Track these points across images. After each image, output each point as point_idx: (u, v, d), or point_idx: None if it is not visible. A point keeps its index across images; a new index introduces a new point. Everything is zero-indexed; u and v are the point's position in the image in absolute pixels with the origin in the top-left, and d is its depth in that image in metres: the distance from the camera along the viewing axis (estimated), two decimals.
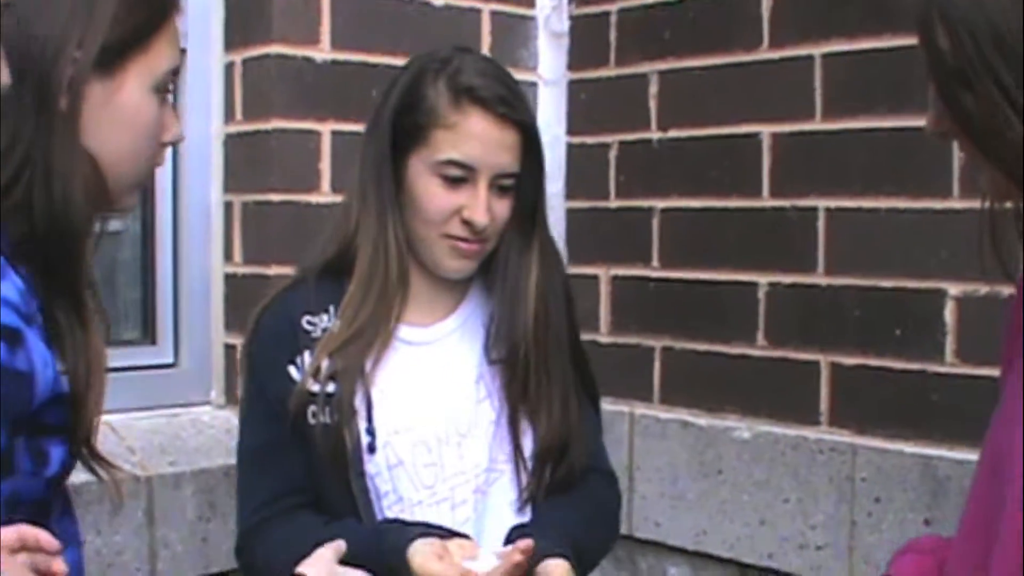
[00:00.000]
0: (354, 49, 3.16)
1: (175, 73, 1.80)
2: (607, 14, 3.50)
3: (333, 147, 3.13)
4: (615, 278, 3.51)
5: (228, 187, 3.22)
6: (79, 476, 1.78)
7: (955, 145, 2.72)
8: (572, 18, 3.61)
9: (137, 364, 3.03)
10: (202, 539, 2.89)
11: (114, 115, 1.71)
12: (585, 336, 3.53)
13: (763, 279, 3.14)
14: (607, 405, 3.45)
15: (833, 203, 3.00)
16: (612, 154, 3.50)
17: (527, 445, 2.34)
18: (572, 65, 3.60)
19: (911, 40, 2.66)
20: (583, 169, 3.58)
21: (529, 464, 2.35)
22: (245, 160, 3.18)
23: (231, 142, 3.22)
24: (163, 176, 3.13)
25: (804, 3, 3.06)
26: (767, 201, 3.13)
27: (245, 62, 3.17)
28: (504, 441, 2.34)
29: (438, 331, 2.38)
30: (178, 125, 1.85)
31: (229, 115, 3.21)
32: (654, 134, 3.39)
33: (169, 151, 3.07)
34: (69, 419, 1.61)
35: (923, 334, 2.84)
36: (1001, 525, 1.58)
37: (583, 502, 2.38)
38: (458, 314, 2.40)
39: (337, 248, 2.34)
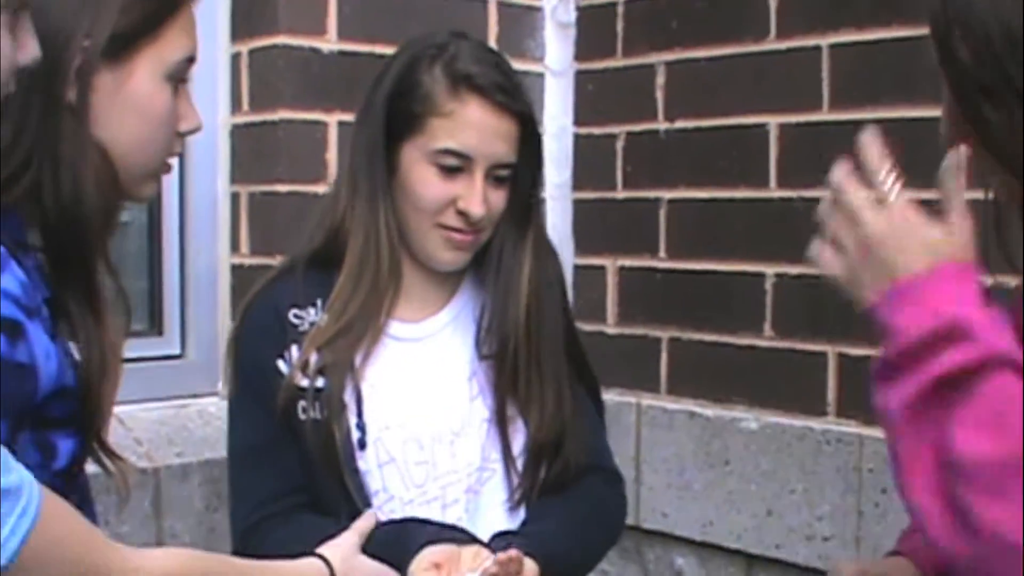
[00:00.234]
0: (361, 40, 3.15)
1: (191, 62, 1.77)
2: (614, 5, 3.50)
3: (340, 138, 3.12)
4: (622, 269, 3.51)
5: (235, 178, 3.23)
6: (86, 467, 1.78)
7: None
8: (579, 8, 3.60)
9: (144, 355, 3.03)
10: (209, 529, 2.90)
11: (125, 105, 1.69)
12: (592, 327, 3.54)
13: (770, 270, 3.14)
14: (614, 396, 3.46)
15: None
16: (619, 145, 3.50)
17: (519, 442, 2.29)
18: (579, 56, 3.60)
19: (918, 31, 2.66)
20: (590, 160, 3.58)
21: (520, 462, 2.29)
22: (252, 151, 3.19)
23: (238, 133, 3.22)
24: None
25: None
26: (774, 192, 3.13)
27: (252, 53, 3.17)
28: (498, 439, 2.29)
29: (429, 327, 2.32)
30: (196, 115, 1.81)
31: (236, 106, 3.21)
32: (661, 125, 3.38)
33: None
34: (76, 411, 1.60)
35: None
36: None
37: (577, 503, 2.32)
38: (449, 309, 2.34)
39: (325, 237, 2.28)
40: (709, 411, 3.26)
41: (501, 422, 2.28)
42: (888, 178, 1.57)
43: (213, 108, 3.18)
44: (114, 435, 1.72)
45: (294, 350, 2.21)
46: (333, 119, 3.12)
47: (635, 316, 3.48)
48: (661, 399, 3.39)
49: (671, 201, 3.37)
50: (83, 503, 1.75)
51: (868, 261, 1.55)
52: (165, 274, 3.16)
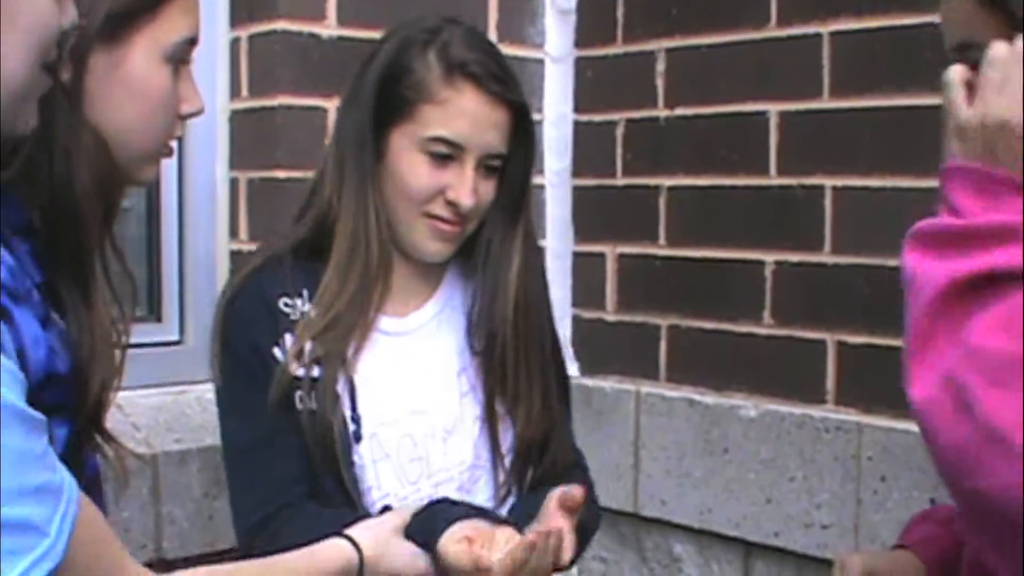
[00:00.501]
0: (360, 25, 3.15)
1: (192, 43, 1.74)
2: None
3: None
4: (622, 256, 3.51)
5: (234, 164, 3.22)
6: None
7: None
8: None
9: (142, 341, 3.02)
10: (208, 516, 2.90)
11: (120, 86, 1.66)
12: (591, 314, 3.55)
13: (770, 257, 3.14)
14: (613, 383, 3.46)
15: (840, 182, 3.00)
16: (619, 132, 3.49)
17: (507, 440, 2.27)
18: (579, 42, 3.59)
19: (918, 19, 2.67)
20: (590, 147, 3.57)
21: (507, 460, 2.27)
22: (251, 137, 3.18)
23: (237, 119, 3.21)
24: None
25: None
26: (774, 179, 3.13)
27: (251, 38, 3.17)
28: (488, 437, 2.27)
29: (416, 320, 2.29)
30: (198, 97, 1.79)
31: (235, 91, 3.21)
32: (661, 112, 3.38)
33: None
34: (69, 398, 1.58)
35: None
36: None
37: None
38: (435, 301, 2.31)
39: (313, 226, 2.24)
40: (708, 399, 3.25)
41: (491, 419, 2.26)
42: None
43: (212, 94, 3.17)
44: (112, 421, 1.71)
45: (288, 338, 2.17)
46: (332, 105, 3.11)
47: (634, 303, 3.48)
48: (660, 386, 3.39)
49: (671, 188, 3.36)
50: (91, 489, 1.74)
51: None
52: (164, 260, 3.15)
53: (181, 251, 3.16)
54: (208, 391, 3.04)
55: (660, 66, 3.38)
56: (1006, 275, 1.42)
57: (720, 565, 3.25)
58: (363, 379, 2.20)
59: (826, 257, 3.02)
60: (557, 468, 2.31)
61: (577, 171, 3.61)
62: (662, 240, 3.39)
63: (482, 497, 2.27)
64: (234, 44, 3.20)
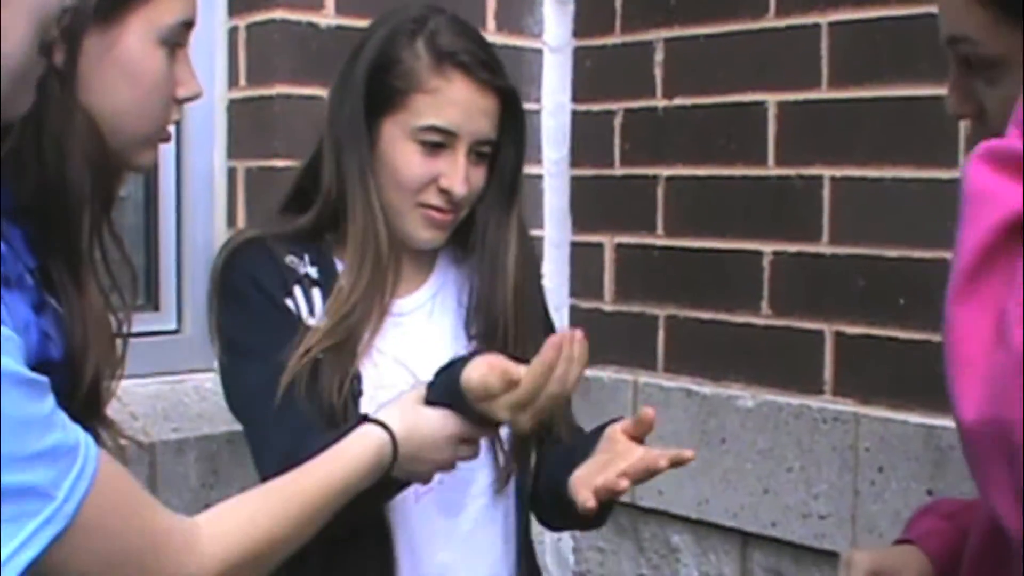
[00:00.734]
0: (359, 15, 3.14)
1: (188, 26, 1.72)
2: None
3: None
4: (619, 246, 3.50)
5: (232, 153, 3.22)
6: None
7: None
8: None
9: (140, 331, 3.01)
10: (205, 506, 2.85)
11: (114, 68, 1.63)
12: (589, 304, 3.55)
13: (768, 248, 3.14)
14: (611, 373, 3.46)
15: (838, 172, 2.99)
16: (617, 122, 3.49)
17: (505, 426, 2.20)
18: (578, 32, 3.59)
19: (917, 9, 2.66)
20: (588, 137, 3.57)
21: (507, 445, 2.26)
22: (249, 126, 3.18)
23: (235, 108, 3.21)
24: None
25: None
26: (772, 170, 3.13)
27: (249, 27, 3.16)
28: None
29: (412, 303, 2.30)
30: (195, 81, 1.76)
31: (233, 81, 3.21)
32: (659, 102, 3.38)
33: None
34: (63, 385, 1.56)
35: (927, 304, 2.83)
36: None
37: None
38: (429, 285, 2.32)
39: (314, 218, 2.23)
40: (706, 389, 3.25)
41: None
42: None
43: (210, 83, 3.16)
44: (109, 410, 1.70)
45: (297, 290, 2.18)
46: None
47: (632, 293, 3.48)
48: (658, 377, 3.39)
49: (669, 178, 3.36)
50: None
51: None
52: (162, 249, 3.15)
53: (179, 240, 3.16)
54: (207, 380, 3.05)
55: (658, 56, 3.38)
56: None
57: (717, 555, 3.25)
58: (373, 357, 2.20)
59: (824, 247, 3.02)
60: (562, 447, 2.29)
61: (575, 161, 3.61)
62: (660, 230, 3.39)
63: (482, 482, 2.27)
64: (232, 33, 3.20)
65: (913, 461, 2.83)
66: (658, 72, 3.38)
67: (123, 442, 1.74)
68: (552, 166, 3.63)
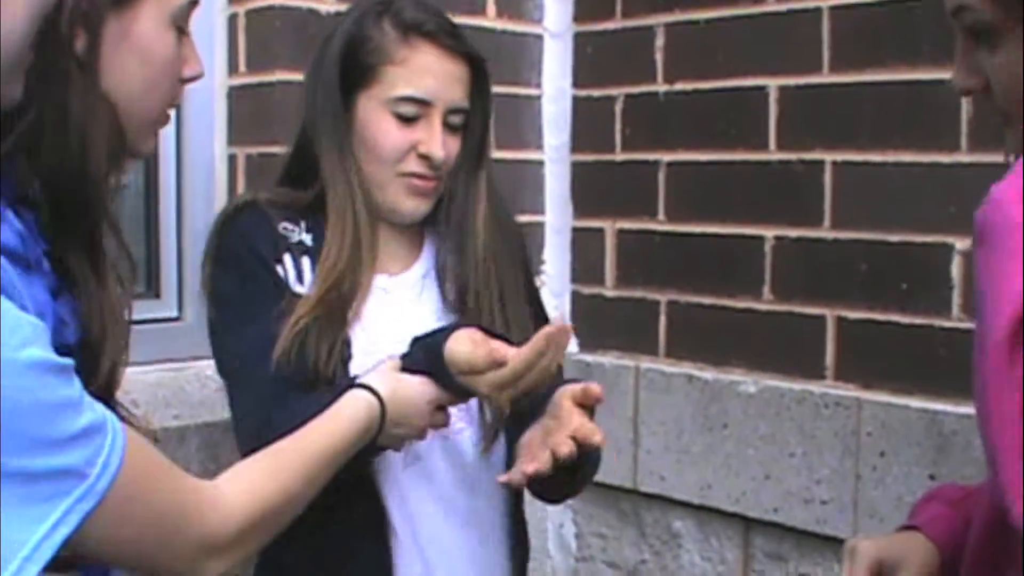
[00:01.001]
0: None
1: (194, 5, 1.73)
2: None
3: None
4: (621, 231, 3.50)
5: (232, 140, 3.21)
6: None
7: (963, 99, 2.72)
8: None
9: (141, 318, 3.01)
10: None
11: (129, 53, 1.64)
12: (590, 289, 3.54)
13: (769, 233, 3.13)
14: (612, 359, 3.46)
15: (840, 156, 2.99)
16: (618, 107, 3.48)
17: None
18: (578, 17, 3.58)
19: None
20: (589, 122, 3.56)
21: (490, 413, 2.29)
22: (249, 113, 3.17)
23: (235, 94, 3.21)
24: (166, 129, 3.08)
25: None
26: (773, 154, 3.12)
27: (248, 14, 3.16)
28: None
29: (404, 281, 2.34)
30: (199, 60, 1.78)
31: (233, 67, 3.20)
32: (660, 87, 3.37)
33: None
34: (78, 370, 1.56)
35: (929, 288, 2.83)
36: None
37: None
38: (419, 265, 2.37)
39: (315, 192, 2.29)
40: (707, 374, 3.25)
41: None
42: None
43: (210, 70, 3.14)
44: None
45: (287, 258, 2.24)
46: None
47: (634, 279, 3.47)
48: (659, 362, 3.39)
49: (670, 164, 3.36)
50: None
51: None
52: (162, 237, 3.15)
53: (179, 228, 3.16)
54: (208, 367, 3.04)
55: (659, 41, 3.37)
56: None
57: (719, 541, 3.25)
58: (360, 327, 2.25)
59: (826, 232, 3.02)
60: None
61: (576, 147, 3.60)
62: (661, 215, 3.38)
63: (467, 444, 2.31)
64: (232, 20, 3.20)
65: (915, 446, 2.83)
66: (659, 57, 3.37)
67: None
68: (553, 152, 3.62)
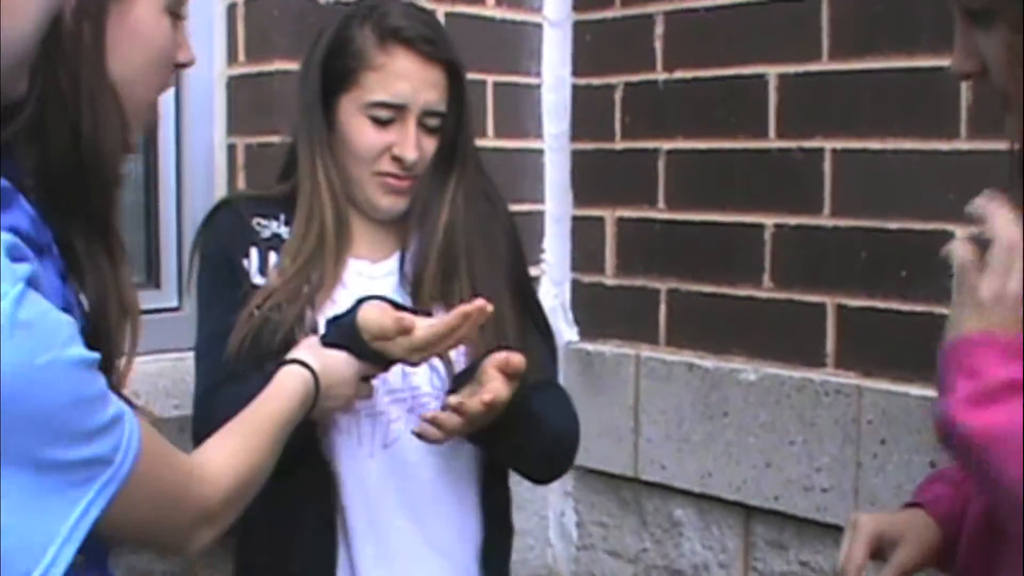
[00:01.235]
0: None
1: None
2: None
3: None
4: (621, 220, 3.50)
5: (231, 129, 3.21)
6: None
7: (963, 86, 2.72)
8: None
9: (141, 308, 3.02)
10: None
11: (128, 39, 1.65)
12: (590, 278, 3.54)
13: (769, 221, 3.13)
14: (612, 347, 3.46)
15: (839, 144, 2.99)
16: (617, 95, 3.48)
17: (460, 363, 2.37)
18: (577, 6, 3.58)
19: None
20: (588, 111, 3.56)
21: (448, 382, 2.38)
22: (248, 102, 3.17)
23: (234, 84, 3.20)
24: (166, 118, 3.11)
25: None
26: (773, 142, 3.12)
27: (248, 3, 3.15)
28: (442, 367, 2.38)
29: (381, 270, 2.45)
30: (190, 47, 1.81)
31: (232, 57, 3.20)
32: (660, 75, 3.37)
33: (171, 93, 3.08)
34: None
35: (930, 276, 2.83)
36: None
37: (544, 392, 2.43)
38: (399, 256, 2.47)
39: (293, 185, 2.43)
40: (708, 362, 3.25)
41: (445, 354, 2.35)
42: None
43: (209, 59, 3.16)
44: None
45: (253, 252, 2.39)
46: None
47: (634, 267, 3.47)
48: (660, 351, 3.39)
49: (670, 152, 3.36)
50: None
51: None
52: (162, 226, 3.14)
53: (179, 217, 3.15)
54: None
55: (658, 29, 3.37)
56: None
57: (720, 529, 3.26)
58: (326, 314, 2.33)
59: (825, 220, 3.02)
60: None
61: (576, 135, 3.60)
62: (661, 204, 3.38)
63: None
64: (231, 10, 3.19)
65: (915, 434, 2.83)
66: (658, 45, 3.37)
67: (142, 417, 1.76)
68: (553, 140, 3.62)
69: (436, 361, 2.34)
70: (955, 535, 1.89)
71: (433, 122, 2.40)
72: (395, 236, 2.48)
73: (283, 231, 2.41)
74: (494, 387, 2.16)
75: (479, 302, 2.18)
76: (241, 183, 3.17)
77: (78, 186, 1.57)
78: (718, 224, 3.25)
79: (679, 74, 3.33)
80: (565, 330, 3.61)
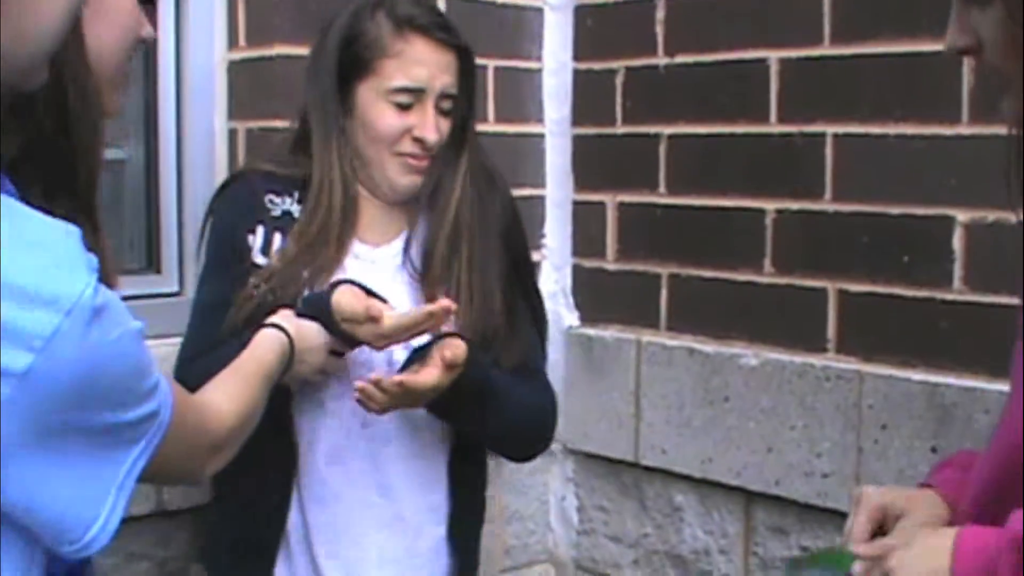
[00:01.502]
0: None
1: None
2: None
3: None
4: (622, 205, 3.50)
5: (232, 114, 3.21)
6: None
7: (964, 71, 2.71)
8: None
9: (142, 293, 3.02)
10: None
11: (100, 16, 1.72)
12: (591, 263, 3.54)
13: (770, 206, 3.13)
14: (614, 332, 3.46)
15: (841, 129, 2.98)
16: (619, 80, 3.48)
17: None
18: None
19: None
20: (590, 95, 3.56)
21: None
22: (249, 87, 3.17)
23: (235, 69, 3.20)
24: (167, 103, 3.12)
25: None
26: (774, 127, 3.11)
27: None
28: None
29: (384, 253, 2.58)
30: (148, 24, 1.89)
31: (233, 42, 3.19)
32: (661, 60, 3.36)
33: (172, 78, 3.09)
34: None
35: (931, 261, 2.83)
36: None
37: (514, 377, 2.56)
38: (403, 238, 2.59)
39: (306, 167, 2.54)
40: (709, 347, 3.25)
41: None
42: None
43: (210, 44, 3.16)
44: None
45: (260, 229, 2.51)
46: None
47: (635, 252, 3.47)
48: (661, 335, 3.39)
49: (671, 136, 3.35)
50: None
51: None
52: (162, 212, 3.14)
53: (180, 202, 3.15)
54: None
55: (660, 14, 3.36)
56: None
57: (721, 514, 3.26)
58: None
59: (827, 205, 3.02)
60: (500, 369, 2.54)
61: (577, 120, 3.60)
62: (662, 189, 3.38)
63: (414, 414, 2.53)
64: None
65: (916, 419, 2.83)
66: (660, 30, 3.36)
67: None
68: (554, 125, 3.62)
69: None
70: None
71: (447, 104, 2.52)
72: (401, 219, 2.59)
73: (295, 209, 2.53)
74: (425, 372, 2.34)
75: (444, 302, 2.37)
76: None
77: (65, 163, 1.62)
78: (719, 209, 3.24)
79: (680, 59, 3.32)
80: (566, 315, 3.61)
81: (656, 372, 3.36)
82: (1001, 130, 1.75)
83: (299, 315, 2.38)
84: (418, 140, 2.49)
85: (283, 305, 2.41)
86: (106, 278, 1.64)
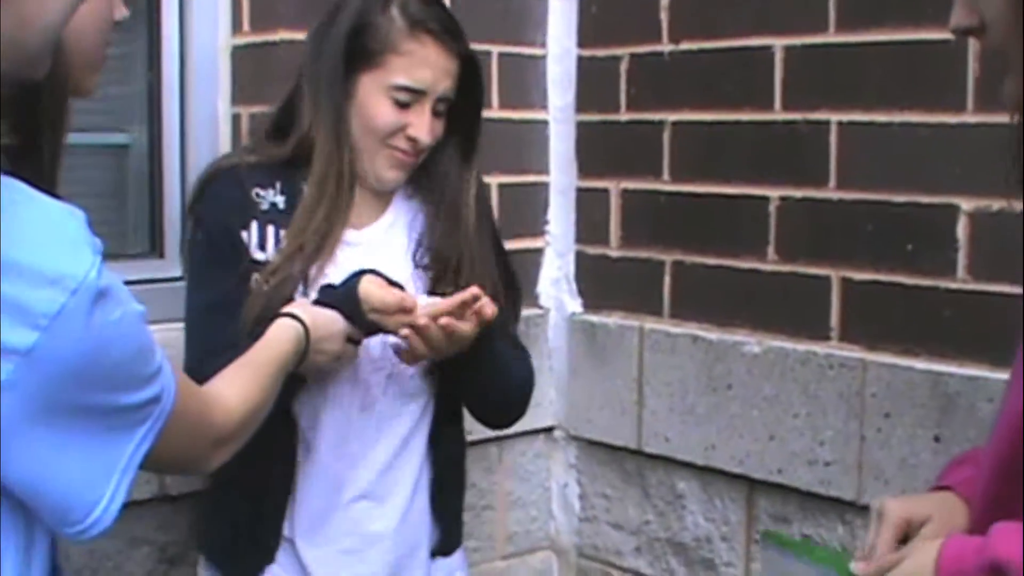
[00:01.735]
0: None
1: None
2: None
3: None
4: (625, 191, 3.49)
5: (236, 99, 3.20)
6: None
7: (969, 59, 2.71)
8: None
9: (145, 278, 3.02)
10: None
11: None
12: (595, 250, 3.54)
13: (774, 193, 3.13)
14: (617, 319, 3.46)
15: (845, 117, 2.98)
16: (623, 67, 3.47)
17: None
18: None
19: None
20: (593, 82, 3.55)
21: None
22: (253, 72, 3.16)
23: (238, 54, 3.19)
24: (171, 88, 3.11)
25: None
26: (779, 115, 3.11)
27: None
28: None
29: (369, 234, 2.61)
30: (121, 4, 1.89)
31: (236, 27, 3.19)
32: (665, 46, 3.36)
33: (176, 63, 3.08)
34: None
35: (935, 249, 2.82)
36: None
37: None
38: (385, 219, 2.64)
39: (292, 150, 2.55)
40: (712, 335, 3.25)
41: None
42: None
43: (214, 29, 3.16)
44: None
45: (254, 225, 2.51)
46: None
47: (638, 239, 3.47)
48: (664, 323, 3.39)
49: (675, 123, 3.35)
50: None
51: None
52: (166, 196, 3.14)
53: (183, 188, 3.15)
54: None
55: (664, 0, 3.36)
56: None
57: (723, 502, 3.26)
58: (326, 277, 2.52)
59: (831, 193, 3.01)
60: None
61: (581, 106, 3.59)
62: (666, 176, 3.38)
63: (412, 386, 2.62)
64: None
65: (919, 407, 2.82)
66: (664, 17, 3.36)
67: None
68: (558, 112, 3.61)
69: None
70: None
71: (443, 107, 2.56)
72: (381, 201, 2.64)
73: (279, 200, 2.54)
74: (465, 322, 2.40)
75: (473, 289, 2.41)
76: None
77: (32, 142, 1.59)
78: (723, 196, 3.24)
79: (685, 45, 3.32)
80: (569, 302, 3.61)
81: (659, 359, 3.36)
82: (1006, 119, 1.75)
83: (317, 303, 2.41)
84: (411, 139, 2.53)
85: (292, 299, 2.43)
86: None
